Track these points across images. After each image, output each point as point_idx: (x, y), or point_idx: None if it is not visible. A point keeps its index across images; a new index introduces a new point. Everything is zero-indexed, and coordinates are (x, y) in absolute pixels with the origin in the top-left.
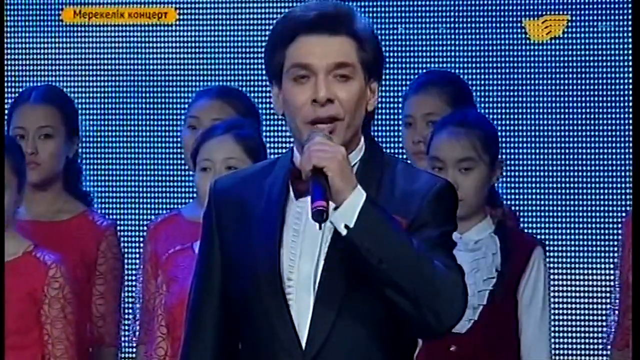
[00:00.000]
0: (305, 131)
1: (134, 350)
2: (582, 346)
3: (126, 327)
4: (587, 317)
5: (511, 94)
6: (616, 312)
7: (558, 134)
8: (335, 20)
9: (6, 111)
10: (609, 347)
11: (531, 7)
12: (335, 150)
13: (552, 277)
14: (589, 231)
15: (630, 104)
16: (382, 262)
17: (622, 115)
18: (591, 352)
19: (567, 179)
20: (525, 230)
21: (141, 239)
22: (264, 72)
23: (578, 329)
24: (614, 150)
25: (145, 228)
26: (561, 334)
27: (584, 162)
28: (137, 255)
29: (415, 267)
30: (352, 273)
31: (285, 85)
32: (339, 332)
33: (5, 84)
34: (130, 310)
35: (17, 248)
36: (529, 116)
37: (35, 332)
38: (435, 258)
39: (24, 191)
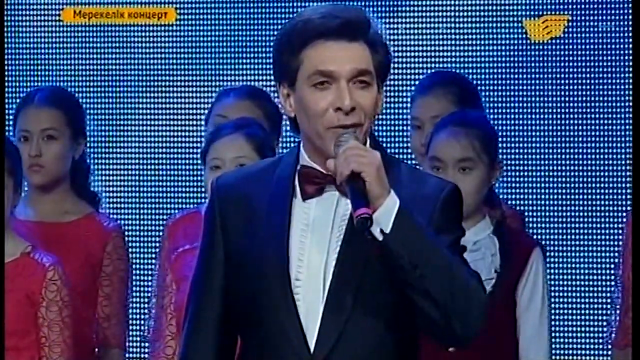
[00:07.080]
0: (327, 135)
1: (140, 350)
2: (583, 346)
3: (133, 328)
4: (588, 318)
5: (511, 94)
6: (617, 311)
7: (558, 134)
8: (355, 27)
9: (6, 111)
10: (610, 346)
11: (531, 7)
12: (373, 156)
13: (552, 277)
14: (590, 231)
15: (630, 104)
16: (417, 269)
17: (622, 115)
18: (592, 353)
19: (567, 179)
20: (527, 231)
21: (148, 241)
22: (264, 72)
23: (579, 329)
24: (614, 150)
25: (151, 229)
26: (563, 334)
27: (584, 162)
28: (144, 257)
29: (448, 274)
30: (364, 276)
31: (302, 90)
32: (349, 335)
33: (6, 84)
34: (137, 310)
35: (15, 249)
36: (528, 116)
37: (32, 334)
38: None
39: (20, 192)
